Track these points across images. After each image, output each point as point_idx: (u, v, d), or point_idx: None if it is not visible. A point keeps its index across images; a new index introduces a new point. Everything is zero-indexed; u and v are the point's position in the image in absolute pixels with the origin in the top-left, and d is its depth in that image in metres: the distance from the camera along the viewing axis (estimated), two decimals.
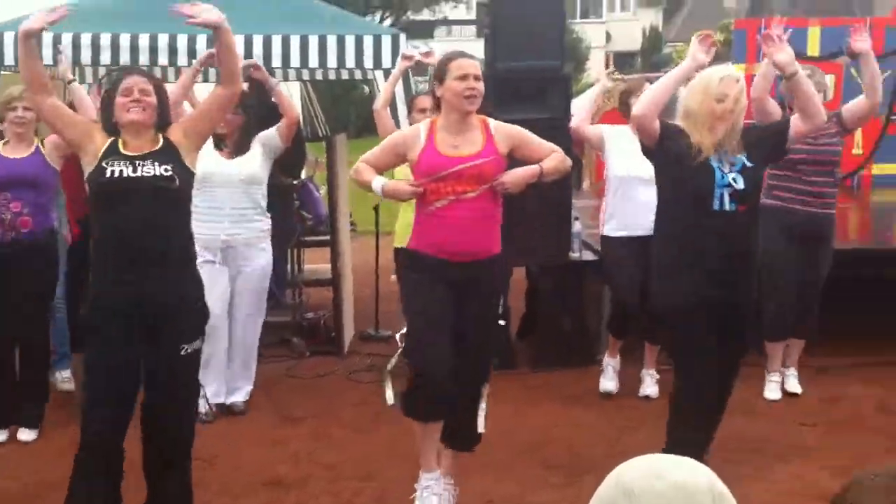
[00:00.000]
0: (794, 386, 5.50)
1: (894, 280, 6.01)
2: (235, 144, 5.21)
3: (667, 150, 3.84)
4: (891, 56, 8.45)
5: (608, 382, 5.57)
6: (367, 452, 4.74)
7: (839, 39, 8.39)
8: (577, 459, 4.62)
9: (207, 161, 4.89)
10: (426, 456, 3.93)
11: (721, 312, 3.86)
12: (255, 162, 5.22)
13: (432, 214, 3.72)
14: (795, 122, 3.88)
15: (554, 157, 3.85)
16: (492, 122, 3.84)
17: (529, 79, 5.70)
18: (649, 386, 5.50)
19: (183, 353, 3.46)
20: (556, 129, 5.74)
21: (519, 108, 5.46)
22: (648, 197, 4.93)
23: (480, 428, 3.98)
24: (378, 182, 3.82)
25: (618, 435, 4.94)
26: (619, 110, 5.40)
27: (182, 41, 6.32)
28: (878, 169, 8.70)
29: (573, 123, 5.31)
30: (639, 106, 3.84)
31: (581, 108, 5.25)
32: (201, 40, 6.22)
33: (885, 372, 5.71)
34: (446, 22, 30.29)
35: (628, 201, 5.24)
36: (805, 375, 5.65)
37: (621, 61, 34.83)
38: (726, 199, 3.75)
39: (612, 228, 5.38)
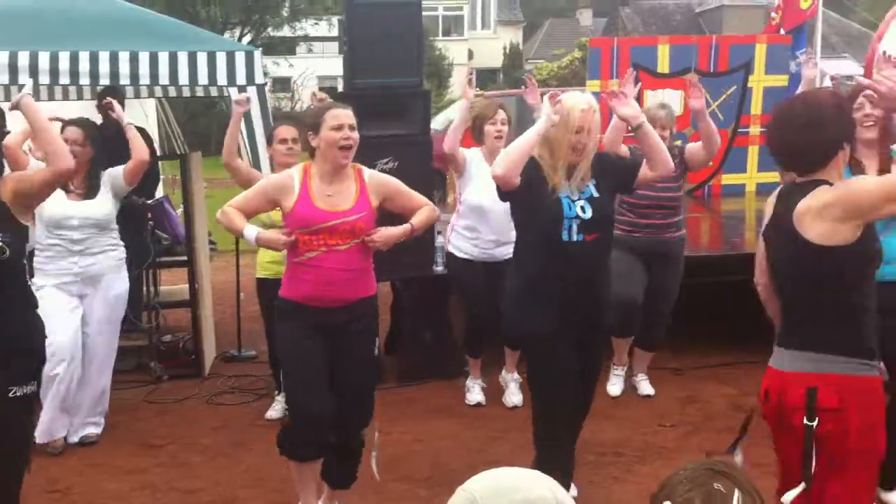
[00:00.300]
0: (646, 389, 5.69)
1: (743, 284, 6.28)
2: (84, 186, 5.02)
3: (527, 191, 3.84)
4: (736, 72, 8.90)
5: (475, 395, 5.64)
6: (228, 479, 4.62)
7: (688, 56, 8.85)
8: (442, 472, 4.62)
9: (56, 205, 4.76)
10: (305, 494, 3.95)
11: (579, 329, 3.91)
12: (106, 205, 5.08)
13: (304, 263, 3.73)
14: (644, 167, 3.97)
15: (424, 212, 3.93)
16: (366, 171, 3.86)
17: (388, 95, 5.70)
18: (514, 394, 5.58)
19: (11, 395, 3.28)
20: (416, 144, 5.80)
21: (379, 124, 5.46)
22: (498, 224, 5.04)
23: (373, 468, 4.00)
24: (251, 231, 3.79)
25: (482, 446, 4.97)
26: (471, 133, 5.44)
27: (84, 60, 6.06)
28: (726, 179, 9.10)
29: (447, 146, 5.25)
30: (499, 167, 3.78)
31: (455, 130, 5.26)
32: (103, 58, 6.06)
33: (738, 372, 5.96)
34: (307, 39, 30.09)
35: (476, 227, 5.37)
36: (662, 377, 5.84)
37: (484, 78, 35.44)
38: (574, 229, 3.80)
39: (456, 249, 5.48)
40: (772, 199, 3.00)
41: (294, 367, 3.82)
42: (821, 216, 2.74)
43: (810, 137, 2.81)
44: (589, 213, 3.82)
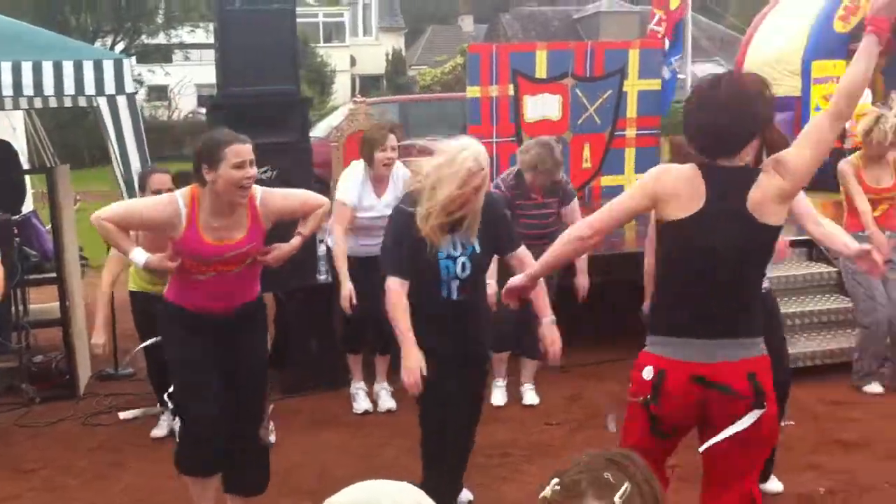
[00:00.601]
0: (531, 398, 5.71)
1: (625, 282, 6.41)
2: None
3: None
4: (611, 77, 9.11)
5: (362, 403, 5.59)
6: (106, 500, 4.47)
7: (565, 62, 9.01)
8: (329, 483, 4.52)
9: None
10: None
11: (457, 357, 3.83)
12: None
13: (193, 281, 3.64)
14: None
15: (313, 219, 3.85)
16: (258, 195, 3.65)
17: (264, 103, 5.60)
18: (387, 400, 5.56)
19: None
20: (295, 152, 5.72)
21: (255, 133, 5.29)
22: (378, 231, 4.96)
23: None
24: (140, 256, 3.63)
25: (369, 454, 4.94)
26: (360, 155, 5.36)
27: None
28: (605, 181, 9.29)
29: None
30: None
31: None
32: (47, 67, 5.82)
33: (620, 368, 6.04)
34: (183, 46, 29.35)
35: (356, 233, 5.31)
36: (548, 377, 5.90)
37: (367, 84, 35.37)
38: (454, 289, 3.72)
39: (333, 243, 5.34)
40: (661, 187, 2.85)
41: (184, 371, 3.71)
42: (777, 200, 2.78)
43: (738, 117, 2.76)
44: (468, 271, 3.71)
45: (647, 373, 2.86)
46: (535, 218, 5.38)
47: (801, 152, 2.81)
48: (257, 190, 3.64)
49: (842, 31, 15.84)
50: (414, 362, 3.55)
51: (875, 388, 5.59)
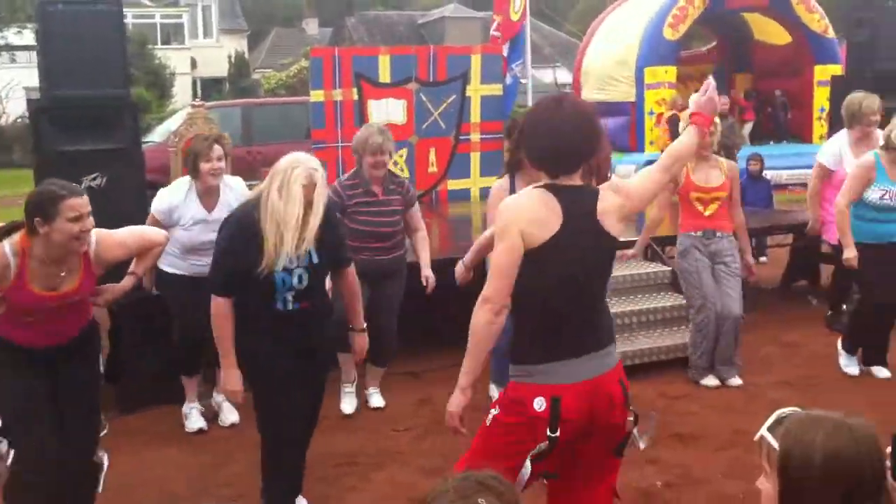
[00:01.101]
0: (377, 401, 5.68)
1: (477, 286, 6.47)
2: None
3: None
4: (454, 81, 9.20)
5: (195, 422, 5.39)
6: None
7: (408, 66, 9.03)
8: (170, 500, 4.40)
9: None
10: None
11: (297, 365, 3.82)
12: None
13: (23, 321, 3.54)
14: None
15: (151, 255, 3.93)
16: (93, 242, 3.60)
17: (92, 107, 5.34)
18: (230, 412, 5.42)
19: None
20: (126, 158, 5.48)
21: (83, 138, 5.11)
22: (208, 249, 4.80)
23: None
24: None
25: (210, 471, 4.78)
26: (185, 170, 5.19)
27: None
28: (451, 185, 9.37)
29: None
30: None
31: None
32: None
33: None
34: (9, 48, 27.80)
35: (187, 252, 5.13)
36: (397, 382, 5.88)
37: (209, 87, 34.47)
38: (289, 300, 3.70)
39: (166, 265, 5.11)
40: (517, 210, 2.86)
41: (16, 406, 3.58)
42: (618, 215, 2.89)
43: (581, 136, 2.84)
44: (305, 283, 3.71)
45: (539, 404, 2.78)
46: (378, 215, 5.31)
47: (643, 183, 3.03)
48: (92, 235, 3.58)
49: (671, 38, 16.65)
50: (234, 384, 3.73)
51: (711, 381, 5.82)
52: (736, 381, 5.80)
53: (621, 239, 2.97)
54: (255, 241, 3.55)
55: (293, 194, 3.50)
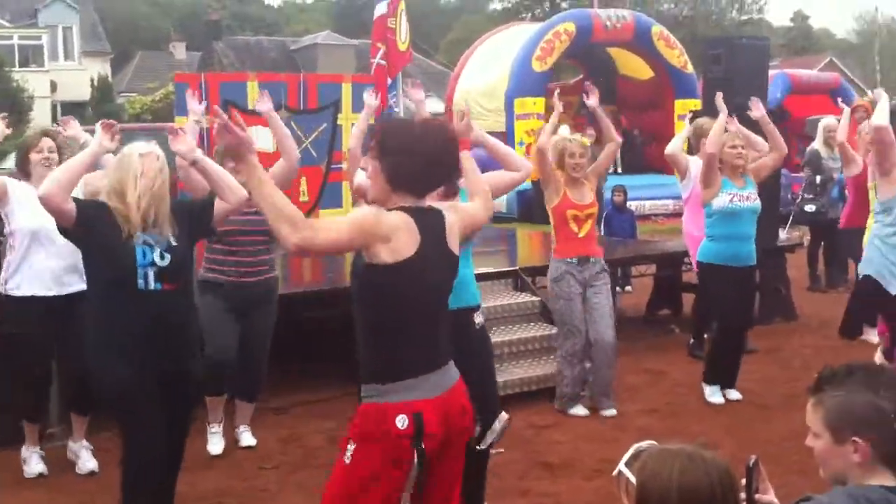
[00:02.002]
0: (248, 440, 5.50)
1: (342, 317, 6.37)
2: None
3: (87, 230, 3.66)
4: (326, 110, 9.11)
5: (35, 466, 5.04)
6: None
7: (277, 93, 8.88)
8: None
9: None
10: None
11: (164, 381, 3.72)
12: None
13: None
14: (219, 202, 3.89)
15: None
16: None
17: None
18: (88, 460, 5.10)
19: None
20: None
21: None
22: (64, 249, 4.52)
23: None
24: None
25: None
26: (17, 164, 5.01)
27: None
28: (323, 214, 9.25)
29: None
30: (43, 187, 3.63)
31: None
32: None
33: (334, 406, 5.99)
34: None
35: (36, 255, 4.80)
36: (264, 418, 5.72)
37: (70, 111, 33.18)
38: (151, 278, 3.64)
39: (16, 287, 4.82)
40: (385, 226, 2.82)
41: None
42: (459, 235, 3.00)
43: (442, 158, 2.89)
44: (167, 261, 3.67)
45: (401, 422, 2.76)
46: (245, 214, 5.08)
47: (474, 206, 3.23)
48: None
49: (540, 70, 17.07)
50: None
51: (579, 410, 5.88)
52: (611, 411, 5.88)
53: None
54: (104, 211, 3.65)
55: (130, 167, 3.66)
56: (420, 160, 2.85)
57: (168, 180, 3.74)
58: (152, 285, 3.64)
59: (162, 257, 3.66)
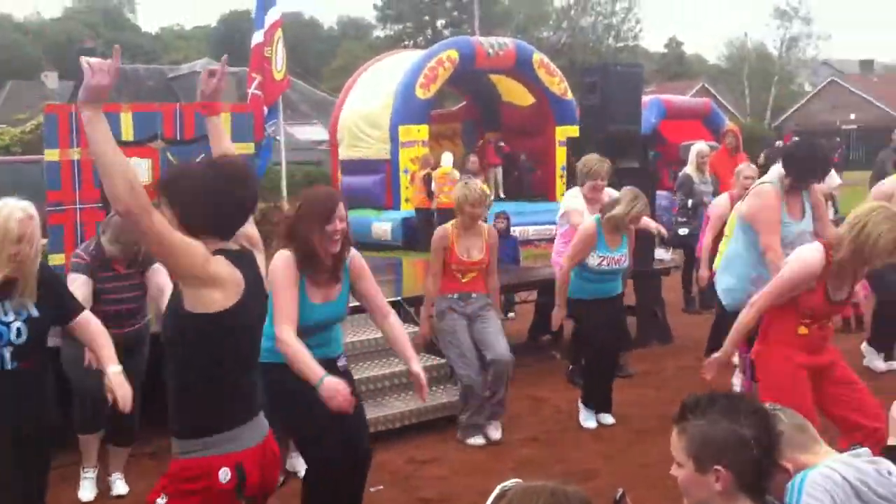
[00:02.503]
0: (121, 488, 5.28)
1: None
2: None
3: None
4: (204, 139, 8.89)
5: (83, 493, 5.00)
6: None
7: (153, 124, 8.64)
8: None
9: None
10: None
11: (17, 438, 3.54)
12: None
13: None
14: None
15: None
16: None
17: None
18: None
19: None
20: None
21: None
22: None
23: None
24: None
25: None
26: None
27: None
28: None
29: None
30: None
31: None
32: None
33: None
34: None
35: None
36: (139, 464, 5.50)
37: None
38: (7, 357, 3.44)
39: None
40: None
41: None
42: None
43: (253, 196, 2.84)
44: (24, 337, 3.45)
45: (224, 475, 2.70)
46: (115, 292, 4.99)
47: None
48: None
49: (423, 97, 17.15)
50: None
51: (478, 440, 5.85)
52: (496, 434, 5.90)
53: None
54: None
55: (6, 229, 3.40)
56: (211, 202, 2.75)
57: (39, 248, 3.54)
58: (9, 365, 3.43)
59: (18, 334, 3.44)
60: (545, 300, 8.71)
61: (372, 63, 19.89)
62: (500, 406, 5.96)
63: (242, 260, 2.81)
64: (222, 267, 2.71)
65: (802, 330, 4.09)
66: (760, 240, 5.20)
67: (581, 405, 6.32)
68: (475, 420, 5.88)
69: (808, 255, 3.99)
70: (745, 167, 7.55)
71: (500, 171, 19.39)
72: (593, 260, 6.02)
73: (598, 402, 6.30)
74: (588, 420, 6.24)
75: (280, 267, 3.83)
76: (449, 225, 5.86)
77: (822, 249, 3.97)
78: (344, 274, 4.06)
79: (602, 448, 5.80)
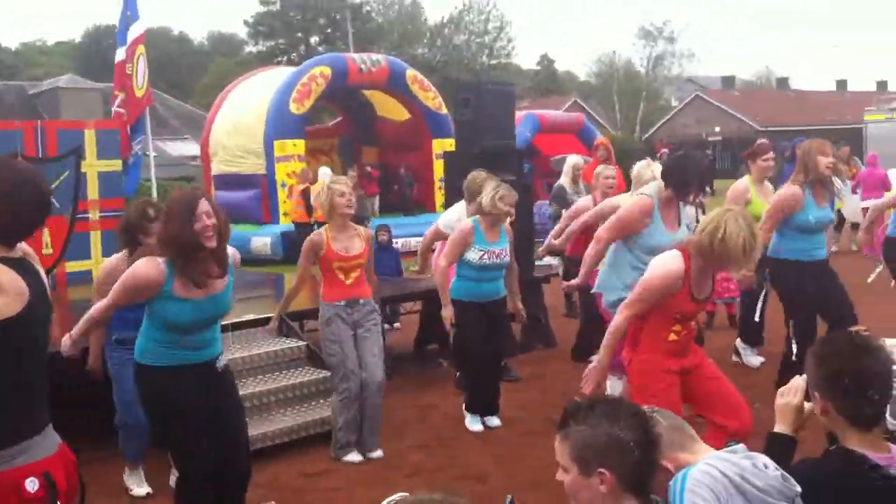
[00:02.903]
0: None
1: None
2: None
3: None
4: (67, 157, 8.58)
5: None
6: None
7: (13, 141, 8.28)
8: None
9: None
10: None
11: None
12: None
13: None
14: None
15: None
16: None
17: None
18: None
19: None
20: None
21: None
22: None
23: None
24: None
25: None
26: None
27: None
28: (71, 266, 8.71)
29: None
30: None
31: None
32: None
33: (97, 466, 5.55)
34: None
35: None
36: None
37: None
38: None
39: None
40: None
41: None
42: None
43: (43, 203, 2.78)
44: None
45: (32, 485, 2.61)
46: None
47: None
48: None
49: (297, 112, 17.01)
50: None
51: (354, 457, 5.72)
52: (378, 453, 5.81)
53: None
54: None
55: None
56: (21, 208, 2.71)
57: None
58: None
59: None
60: (430, 311, 8.74)
61: (244, 78, 19.63)
62: (375, 426, 5.87)
63: (24, 267, 2.72)
64: (4, 275, 2.63)
65: (672, 336, 4.24)
66: (599, 231, 5.63)
67: (465, 410, 6.36)
68: (350, 437, 5.77)
69: (668, 262, 4.15)
70: (604, 168, 7.79)
71: (376, 200, 19.37)
72: (474, 254, 6.09)
73: (484, 407, 6.34)
74: (474, 424, 6.28)
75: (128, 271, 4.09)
76: (322, 230, 5.81)
77: (680, 255, 4.14)
78: (229, 267, 4.15)
79: (492, 451, 5.82)
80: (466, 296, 6.18)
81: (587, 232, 6.66)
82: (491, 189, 6.09)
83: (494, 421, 6.34)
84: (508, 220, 6.22)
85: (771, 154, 7.25)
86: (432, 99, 18.79)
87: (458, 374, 7.42)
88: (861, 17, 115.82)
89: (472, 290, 6.20)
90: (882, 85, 50.17)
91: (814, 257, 6.22)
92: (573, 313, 10.26)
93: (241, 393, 5.08)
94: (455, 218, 6.94)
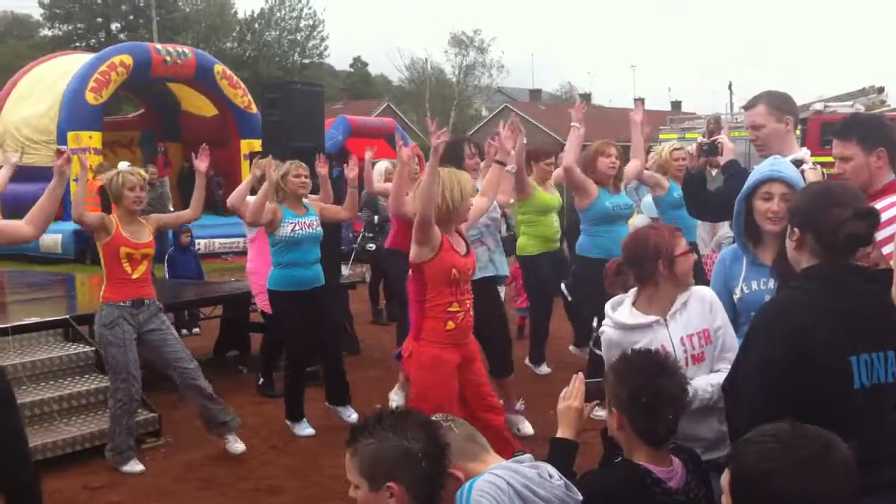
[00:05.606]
0: None
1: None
2: None
3: None
4: None
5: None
6: None
7: None
8: None
9: None
10: None
11: None
12: None
13: None
14: None
15: None
16: None
17: None
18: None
19: None
20: None
21: None
22: None
23: None
24: None
25: None
26: None
27: None
28: None
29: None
30: None
31: None
32: None
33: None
34: None
35: None
36: None
37: None
38: None
39: None
40: None
41: None
42: None
43: None
44: None
45: None
46: None
47: None
48: None
49: (94, 103, 16.16)
50: None
51: (135, 466, 5.45)
52: (238, 446, 5.76)
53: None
54: None
55: None
56: None
57: None
58: None
59: None
60: (231, 315, 8.50)
61: (37, 64, 18.47)
62: (220, 415, 5.74)
63: None
64: None
65: (450, 325, 4.41)
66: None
67: (287, 418, 6.25)
68: (129, 442, 5.50)
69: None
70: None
71: (166, 181, 18.57)
72: (284, 229, 6.04)
73: (333, 399, 6.39)
74: (305, 429, 6.23)
75: None
76: (111, 215, 5.53)
77: None
78: None
79: (289, 463, 5.68)
80: (284, 285, 6.11)
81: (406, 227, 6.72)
82: (286, 168, 6.19)
83: (350, 412, 6.36)
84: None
85: (552, 160, 7.57)
86: (241, 97, 18.35)
87: (261, 381, 7.25)
88: (656, 41, 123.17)
89: (290, 278, 6.11)
90: (676, 105, 53.46)
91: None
92: (379, 320, 10.26)
93: (20, 401, 4.73)
94: None
